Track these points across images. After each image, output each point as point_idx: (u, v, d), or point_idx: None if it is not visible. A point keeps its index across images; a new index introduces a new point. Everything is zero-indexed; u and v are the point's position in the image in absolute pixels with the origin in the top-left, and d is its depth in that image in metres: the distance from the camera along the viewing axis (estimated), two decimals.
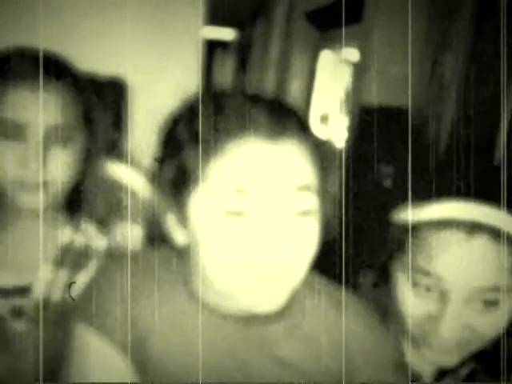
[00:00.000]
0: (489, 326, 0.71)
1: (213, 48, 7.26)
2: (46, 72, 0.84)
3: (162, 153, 0.69)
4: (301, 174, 0.62)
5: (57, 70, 0.86)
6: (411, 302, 0.73)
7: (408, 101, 2.48)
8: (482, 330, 0.71)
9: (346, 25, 3.60)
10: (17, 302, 0.87)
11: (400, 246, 0.76)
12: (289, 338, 0.71)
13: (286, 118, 0.64)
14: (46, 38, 3.28)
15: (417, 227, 0.72)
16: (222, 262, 0.63)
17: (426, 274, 0.70)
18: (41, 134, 0.82)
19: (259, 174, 0.61)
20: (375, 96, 2.67)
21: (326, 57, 4.19)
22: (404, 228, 0.75)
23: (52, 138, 0.83)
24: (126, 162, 1.00)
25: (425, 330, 0.73)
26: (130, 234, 0.95)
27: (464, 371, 0.80)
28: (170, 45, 3.90)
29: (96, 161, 0.95)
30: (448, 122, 2.29)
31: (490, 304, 0.70)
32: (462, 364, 0.78)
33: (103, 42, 3.75)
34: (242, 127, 0.62)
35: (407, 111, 2.46)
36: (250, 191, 0.61)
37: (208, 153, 0.62)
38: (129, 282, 0.71)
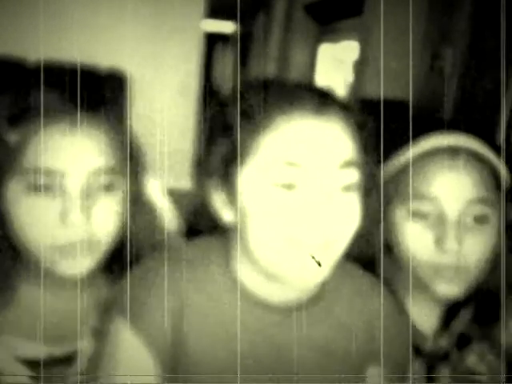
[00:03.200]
0: (480, 242, 0.79)
1: (213, 41, 7.25)
2: (80, 106, 0.72)
3: (209, 135, 0.70)
4: (345, 150, 0.65)
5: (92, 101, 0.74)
6: (413, 232, 0.79)
7: (409, 94, 2.48)
8: (475, 248, 0.78)
9: (346, 18, 3.60)
10: (46, 373, 0.77)
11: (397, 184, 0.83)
12: (323, 323, 0.73)
13: (328, 97, 0.68)
14: (46, 32, 3.25)
15: (408, 164, 0.81)
16: (269, 236, 0.64)
17: (424, 197, 0.78)
18: (81, 183, 0.70)
19: (307, 147, 0.63)
20: (375, 89, 2.67)
21: (325, 50, 4.19)
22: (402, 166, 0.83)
23: (94, 185, 0.71)
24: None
25: (430, 262, 0.78)
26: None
27: (466, 314, 0.84)
28: (171, 38, 3.90)
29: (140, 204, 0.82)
30: (448, 115, 2.30)
31: (480, 220, 0.78)
32: (465, 303, 0.83)
33: (104, 36, 3.75)
34: (289, 103, 0.65)
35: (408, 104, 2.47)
36: (300, 164, 0.63)
37: (257, 129, 0.64)
38: (166, 275, 0.71)
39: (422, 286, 0.81)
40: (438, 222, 0.78)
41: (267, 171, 0.64)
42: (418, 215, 0.79)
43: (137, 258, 0.78)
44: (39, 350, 0.77)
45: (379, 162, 0.80)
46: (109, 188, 0.73)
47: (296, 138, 0.64)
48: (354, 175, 0.65)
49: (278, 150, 0.63)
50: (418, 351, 0.83)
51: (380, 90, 2.62)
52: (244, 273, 0.72)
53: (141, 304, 0.70)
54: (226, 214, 0.69)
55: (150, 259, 0.74)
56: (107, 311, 0.74)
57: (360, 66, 3.07)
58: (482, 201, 0.78)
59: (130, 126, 0.80)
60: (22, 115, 0.71)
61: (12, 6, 3.44)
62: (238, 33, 5.59)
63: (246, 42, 6.37)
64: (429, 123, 0.86)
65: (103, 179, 0.72)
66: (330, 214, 0.64)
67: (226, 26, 7.58)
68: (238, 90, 0.68)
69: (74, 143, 0.70)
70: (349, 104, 0.70)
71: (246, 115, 0.65)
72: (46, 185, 0.69)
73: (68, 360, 0.79)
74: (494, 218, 0.79)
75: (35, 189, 0.69)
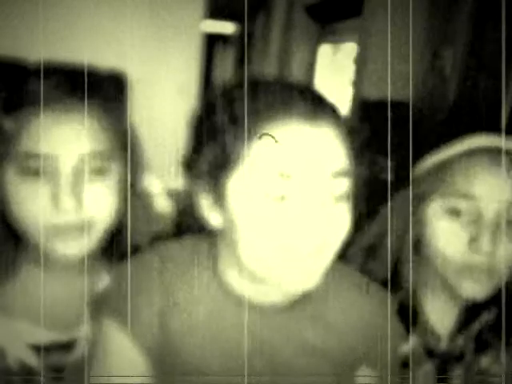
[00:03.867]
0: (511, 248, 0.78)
1: (213, 42, 7.24)
2: (73, 91, 0.73)
3: (198, 136, 0.69)
4: (337, 158, 0.64)
5: (85, 88, 0.74)
6: (447, 230, 0.79)
7: (409, 94, 2.48)
8: (506, 249, 0.78)
9: (346, 18, 3.60)
10: (56, 359, 0.78)
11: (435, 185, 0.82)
12: (315, 324, 0.73)
13: (320, 103, 0.66)
14: (46, 32, 3.25)
15: (447, 163, 0.81)
16: (257, 241, 0.64)
17: (463, 195, 0.78)
18: (71, 167, 0.71)
19: (299, 157, 0.62)
20: (375, 89, 2.66)
21: (325, 50, 4.18)
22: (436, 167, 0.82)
23: (86, 169, 0.72)
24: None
25: (460, 261, 0.78)
26: None
27: (486, 316, 0.84)
28: (171, 39, 3.90)
29: (136, 191, 0.83)
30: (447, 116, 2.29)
31: None
32: (486, 305, 0.83)
33: (104, 36, 3.74)
34: (280, 110, 0.63)
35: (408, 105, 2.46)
36: (292, 176, 0.62)
37: (248, 135, 0.63)
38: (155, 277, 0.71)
39: (447, 286, 0.80)
40: (474, 222, 0.77)
41: (258, 181, 0.62)
42: (455, 213, 0.78)
43: (134, 248, 0.80)
44: (41, 335, 0.78)
45: (373, 164, 0.79)
46: (100, 172, 0.74)
47: (288, 146, 0.62)
48: (344, 184, 0.64)
49: (269, 158, 0.62)
50: (430, 353, 0.83)
51: (380, 91, 2.61)
52: (231, 276, 0.71)
53: (128, 302, 0.69)
54: (213, 218, 0.69)
55: (140, 256, 0.75)
56: (97, 310, 0.74)
57: (360, 67, 3.07)
58: None
59: (129, 115, 0.80)
60: (18, 103, 0.72)
61: (11, 6, 3.44)
62: (245, 31, 5.59)
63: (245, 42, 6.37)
64: (468, 123, 0.86)
65: (94, 163, 0.73)
66: (320, 222, 0.63)
67: (226, 27, 7.58)
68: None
69: (66, 129, 0.71)
70: (341, 110, 0.68)
71: (237, 120, 0.64)
72: (38, 169, 0.70)
73: (69, 346, 0.79)
74: None
75: (29, 173, 0.71)
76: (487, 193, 0.77)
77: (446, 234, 0.79)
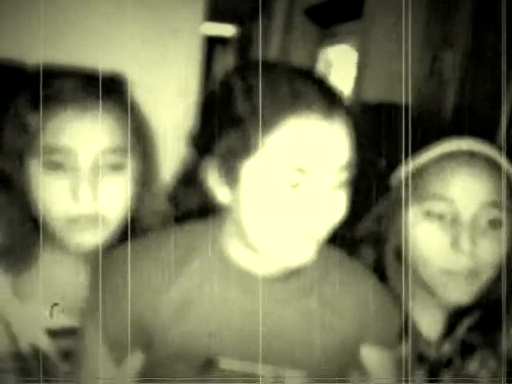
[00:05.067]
0: (492, 247, 0.80)
1: (213, 44, 7.25)
2: (94, 91, 0.78)
3: (213, 119, 0.72)
4: (344, 153, 0.69)
5: (107, 87, 0.80)
6: (428, 233, 0.80)
7: (408, 97, 2.48)
8: (487, 252, 0.79)
9: (345, 21, 3.60)
10: (64, 343, 0.82)
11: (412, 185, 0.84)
12: (308, 297, 0.78)
13: (334, 98, 0.70)
14: (46, 33, 3.26)
15: (424, 167, 0.82)
16: (263, 222, 0.68)
17: (440, 198, 0.78)
18: (91, 160, 0.76)
19: (312, 151, 0.66)
20: (375, 92, 2.66)
21: (325, 53, 4.19)
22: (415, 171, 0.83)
23: (103, 164, 0.77)
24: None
25: (442, 265, 0.80)
26: None
27: (470, 321, 0.84)
28: (171, 41, 3.90)
29: (151, 187, 0.88)
30: (447, 118, 2.30)
31: (494, 225, 0.79)
32: (469, 310, 0.83)
33: (103, 38, 3.75)
34: (295, 102, 0.67)
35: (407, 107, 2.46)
36: (306, 168, 0.66)
37: (264, 125, 0.67)
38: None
39: (431, 291, 0.80)
40: (453, 224, 0.78)
41: (273, 170, 0.66)
42: (434, 216, 0.78)
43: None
44: (57, 320, 0.82)
45: (373, 161, 0.81)
46: (117, 167, 0.79)
47: (302, 140, 0.66)
48: (347, 174, 0.70)
49: (283, 150, 0.66)
50: (421, 358, 0.83)
51: (379, 93, 2.61)
52: (234, 250, 0.75)
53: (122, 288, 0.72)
54: (221, 194, 0.71)
55: (138, 243, 0.76)
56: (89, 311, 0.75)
57: (360, 70, 3.07)
58: (496, 205, 0.79)
59: (140, 110, 0.86)
60: (44, 100, 0.76)
61: (11, 8, 3.44)
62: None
63: (245, 45, 6.37)
64: (443, 128, 0.88)
65: (112, 159, 0.78)
66: (320, 207, 0.68)
67: (226, 29, 7.58)
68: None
69: (86, 125, 0.76)
70: (353, 107, 0.72)
71: (253, 112, 0.68)
72: (59, 163, 0.76)
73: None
74: (508, 224, 0.79)
75: (51, 166, 0.76)
76: (463, 195, 0.78)
77: (426, 239, 0.79)
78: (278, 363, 0.72)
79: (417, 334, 0.83)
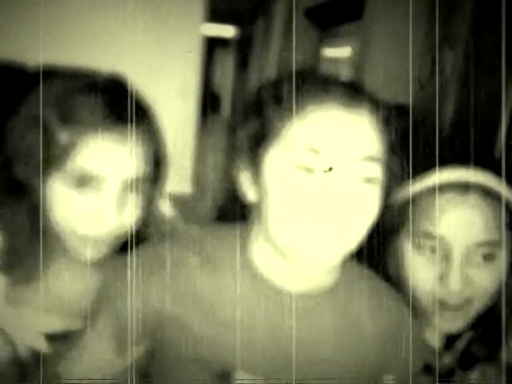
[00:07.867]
0: (488, 278, 0.76)
1: (213, 45, 7.26)
2: (121, 116, 0.77)
3: (245, 113, 0.73)
4: (369, 144, 0.67)
5: (136, 113, 0.79)
6: (419, 265, 0.77)
7: (409, 97, 2.48)
8: (482, 284, 0.76)
9: (346, 22, 3.60)
10: (63, 347, 0.82)
11: (404, 218, 0.80)
12: (332, 313, 0.74)
13: (358, 90, 0.70)
14: (45, 36, 3.25)
15: (417, 197, 0.78)
16: (287, 216, 0.66)
17: (430, 236, 0.75)
18: (118, 187, 0.77)
19: (332, 137, 0.65)
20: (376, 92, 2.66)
21: (326, 54, 4.19)
22: (405, 202, 0.79)
23: (128, 189, 0.78)
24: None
25: (433, 295, 0.77)
26: None
27: (462, 342, 0.82)
28: (171, 42, 3.90)
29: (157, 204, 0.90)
30: (448, 118, 2.30)
31: (488, 258, 0.76)
32: (462, 332, 0.81)
33: (103, 40, 3.75)
34: (320, 93, 0.67)
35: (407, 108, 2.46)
36: (323, 152, 0.65)
37: (287, 114, 0.67)
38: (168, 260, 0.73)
39: (425, 319, 0.79)
40: (445, 259, 0.75)
41: (291, 154, 0.65)
42: (426, 248, 0.77)
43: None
44: (56, 325, 0.83)
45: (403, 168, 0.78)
46: (137, 192, 0.80)
47: (322, 127, 0.66)
48: (376, 170, 0.67)
49: (303, 135, 0.65)
50: (428, 368, 0.81)
51: (379, 94, 2.61)
52: (262, 257, 0.72)
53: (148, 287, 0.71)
54: (250, 194, 0.71)
55: (156, 246, 0.75)
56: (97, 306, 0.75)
57: (360, 70, 3.07)
58: (491, 243, 0.75)
59: (161, 138, 0.87)
60: (74, 114, 0.76)
61: (11, 10, 3.44)
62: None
63: (245, 46, 6.38)
64: (439, 151, 0.82)
65: (136, 186, 0.79)
66: (347, 202, 0.65)
67: (226, 30, 7.59)
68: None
69: (116, 151, 0.76)
70: (378, 99, 0.71)
71: (279, 100, 0.68)
72: (86, 183, 0.76)
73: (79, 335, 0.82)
74: (504, 253, 0.77)
75: (76, 184, 0.76)
76: (455, 232, 0.75)
77: (417, 270, 0.77)
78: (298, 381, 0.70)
79: (426, 345, 0.81)
